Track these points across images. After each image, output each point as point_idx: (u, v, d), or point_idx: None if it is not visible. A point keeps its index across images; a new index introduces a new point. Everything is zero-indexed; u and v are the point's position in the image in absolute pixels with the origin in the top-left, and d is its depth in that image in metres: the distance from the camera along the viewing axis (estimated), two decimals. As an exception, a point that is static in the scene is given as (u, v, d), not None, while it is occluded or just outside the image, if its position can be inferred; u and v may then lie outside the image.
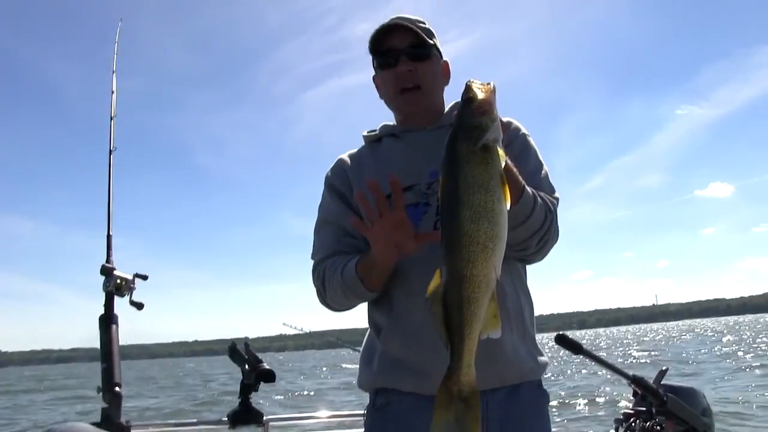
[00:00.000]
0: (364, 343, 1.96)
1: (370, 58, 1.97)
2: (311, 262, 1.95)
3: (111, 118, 2.70)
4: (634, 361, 24.06)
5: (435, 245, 1.65)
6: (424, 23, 1.91)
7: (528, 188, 1.63)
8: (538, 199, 1.68)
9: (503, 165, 1.38)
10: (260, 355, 2.61)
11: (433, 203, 1.78)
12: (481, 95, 1.42)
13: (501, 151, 1.39)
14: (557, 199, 1.83)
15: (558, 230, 1.80)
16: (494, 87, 1.45)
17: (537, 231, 1.70)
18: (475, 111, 1.41)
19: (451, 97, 2.02)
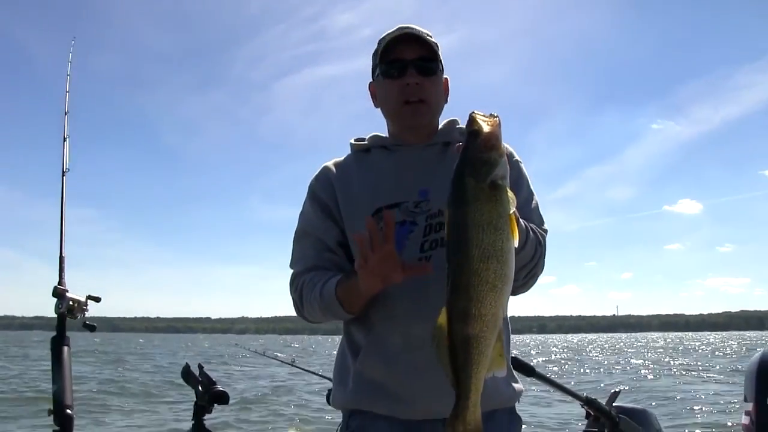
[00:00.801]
0: (336, 359, 1.93)
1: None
2: (290, 271, 1.91)
3: (64, 139, 2.58)
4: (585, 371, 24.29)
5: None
6: (431, 36, 1.85)
7: (521, 221, 1.60)
8: (530, 232, 1.68)
9: (512, 203, 1.35)
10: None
11: (420, 222, 1.75)
12: (486, 128, 1.36)
13: (509, 189, 1.36)
14: (546, 231, 1.82)
15: (544, 263, 1.78)
16: (499, 120, 1.40)
17: (526, 264, 1.69)
18: (482, 145, 1.35)
19: (446, 114, 1.97)
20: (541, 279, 1.83)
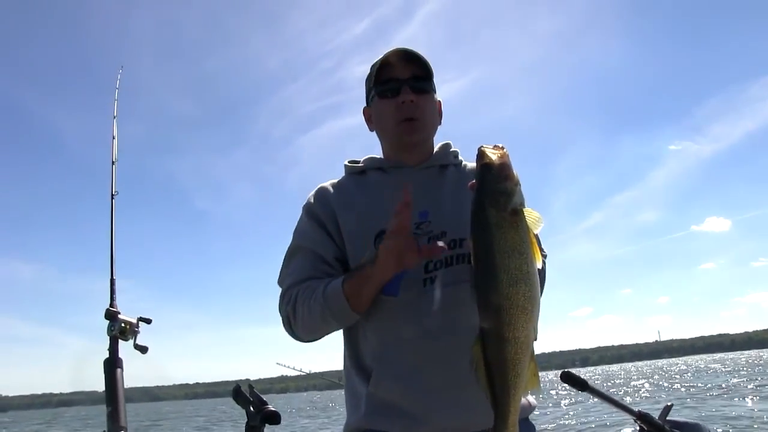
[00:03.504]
0: (345, 388, 1.92)
1: (364, 91, 1.94)
2: (279, 289, 1.89)
3: (112, 163, 2.73)
4: (639, 397, 23.77)
5: (420, 294, 1.73)
6: (425, 58, 1.86)
7: None
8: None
9: (539, 223, 1.44)
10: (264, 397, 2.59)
11: (421, 244, 1.72)
12: (498, 160, 1.44)
13: (533, 222, 1.44)
14: (546, 255, 1.85)
15: (544, 285, 1.80)
16: (507, 150, 1.47)
17: None
18: (497, 177, 1.43)
19: (440, 137, 2.00)
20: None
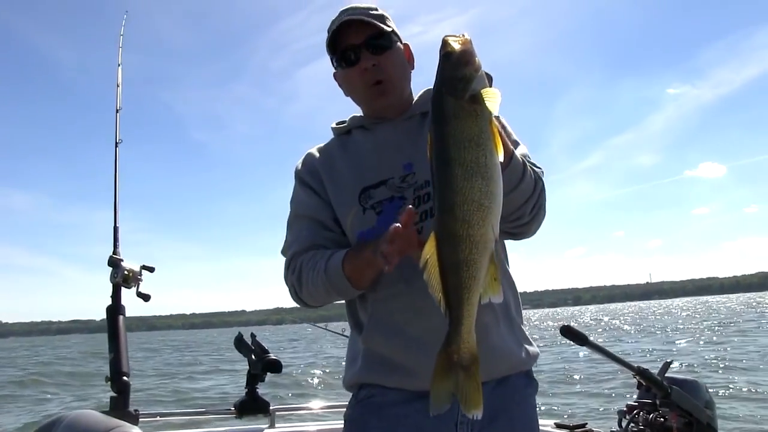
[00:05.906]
0: (348, 343, 1.92)
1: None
2: (283, 259, 1.87)
3: (117, 111, 2.70)
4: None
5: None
6: (376, 9, 1.82)
7: (516, 152, 1.57)
8: (526, 162, 1.64)
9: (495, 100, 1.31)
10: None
11: (408, 196, 1.72)
12: (458, 47, 1.35)
13: (491, 101, 1.31)
14: (542, 169, 1.77)
15: (546, 199, 1.74)
16: (470, 38, 1.38)
17: (530, 197, 1.65)
18: (457, 63, 1.33)
19: (418, 82, 1.92)
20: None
